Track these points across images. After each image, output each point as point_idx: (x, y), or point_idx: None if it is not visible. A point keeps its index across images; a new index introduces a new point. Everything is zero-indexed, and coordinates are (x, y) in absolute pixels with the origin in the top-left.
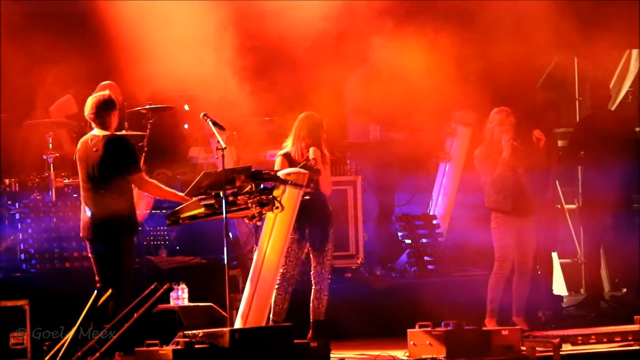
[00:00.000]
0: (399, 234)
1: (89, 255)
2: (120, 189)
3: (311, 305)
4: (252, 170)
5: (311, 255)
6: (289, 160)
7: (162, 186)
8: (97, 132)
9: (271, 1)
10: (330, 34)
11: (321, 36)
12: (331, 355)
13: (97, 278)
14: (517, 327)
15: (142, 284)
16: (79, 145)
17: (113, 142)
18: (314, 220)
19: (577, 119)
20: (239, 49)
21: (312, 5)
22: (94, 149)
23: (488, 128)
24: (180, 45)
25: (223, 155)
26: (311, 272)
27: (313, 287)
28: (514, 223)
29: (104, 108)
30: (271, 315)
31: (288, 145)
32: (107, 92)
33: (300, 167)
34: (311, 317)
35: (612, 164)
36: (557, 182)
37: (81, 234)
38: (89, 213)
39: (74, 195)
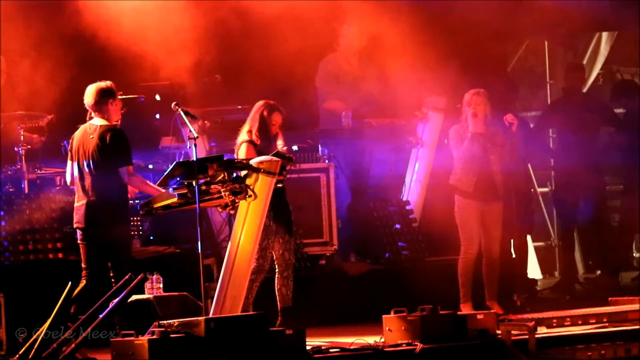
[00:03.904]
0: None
1: (80, 243)
2: (116, 176)
3: (278, 293)
4: (225, 159)
5: (276, 243)
6: (254, 146)
7: (147, 182)
8: (97, 121)
9: None
10: (301, 21)
11: (292, 23)
12: (307, 342)
13: (83, 266)
14: (492, 311)
15: None
16: (76, 134)
17: (109, 133)
18: (276, 208)
19: (549, 102)
20: (210, 38)
21: None
22: (90, 136)
23: (462, 110)
24: (150, 34)
25: (195, 145)
26: (275, 260)
27: (279, 274)
28: (477, 207)
29: (105, 96)
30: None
31: (244, 132)
32: (108, 82)
33: (272, 155)
34: (279, 305)
35: (584, 147)
36: (529, 165)
37: (74, 222)
38: (83, 200)
39: (47, 187)
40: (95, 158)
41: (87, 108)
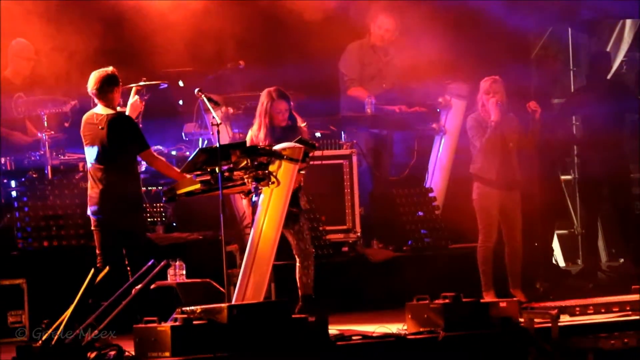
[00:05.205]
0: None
1: (94, 229)
2: (128, 165)
3: (299, 281)
4: (247, 145)
5: (288, 235)
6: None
7: (169, 164)
8: (101, 109)
9: None
10: (325, 7)
11: (316, 9)
12: (329, 329)
13: (98, 252)
14: (514, 298)
15: None
16: (83, 123)
17: (118, 121)
18: None
19: (572, 90)
20: (233, 25)
21: None
22: (100, 127)
23: (478, 98)
24: (175, 21)
25: (218, 131)
26: (293, 251)
27: (299, 263)
28: (496, 195)
29: (108, 84)
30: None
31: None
32: (110, 68)
33: (295, 142)
34: (300, 291)
35: (608, 134)
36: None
37: (89, 210)
38: (96, 189)
39: (70, 172)
40: (108, 147)
41: (91, 95)
